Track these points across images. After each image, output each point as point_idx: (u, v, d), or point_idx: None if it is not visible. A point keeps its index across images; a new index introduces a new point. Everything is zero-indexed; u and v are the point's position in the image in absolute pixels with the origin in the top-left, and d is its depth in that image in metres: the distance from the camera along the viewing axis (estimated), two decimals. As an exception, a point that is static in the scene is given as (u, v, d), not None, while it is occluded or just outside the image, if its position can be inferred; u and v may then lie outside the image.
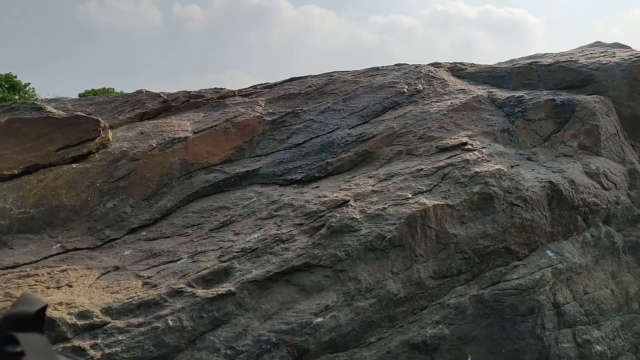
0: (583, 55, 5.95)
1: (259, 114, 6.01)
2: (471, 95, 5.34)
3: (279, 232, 4.09)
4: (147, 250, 4.47)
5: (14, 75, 18.10)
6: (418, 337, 3.49)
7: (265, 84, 7.33)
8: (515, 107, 5.08)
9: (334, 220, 3.99)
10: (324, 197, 4.36)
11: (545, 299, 3.76)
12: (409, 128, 5.08)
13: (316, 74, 7.18)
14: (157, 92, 7.26)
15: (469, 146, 4.54)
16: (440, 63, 6.67)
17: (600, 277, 4.12)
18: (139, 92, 7.32)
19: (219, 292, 3.55)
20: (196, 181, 5.29)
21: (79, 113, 5.71)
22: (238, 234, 4.36)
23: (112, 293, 3.72)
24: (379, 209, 4.01)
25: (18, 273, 3.92)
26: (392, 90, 5.88)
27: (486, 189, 4.04)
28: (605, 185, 4.52)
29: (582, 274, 4.03)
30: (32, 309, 0.70)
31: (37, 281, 3.84)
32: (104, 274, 4.14)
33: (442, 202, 3.93)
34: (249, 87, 7.28)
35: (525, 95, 5.21)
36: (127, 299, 3.53)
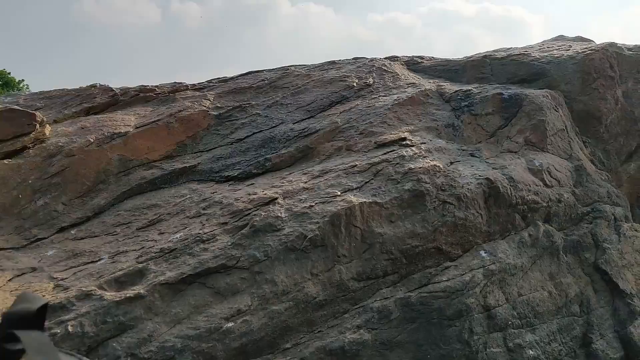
0: (538, 49, 5.76)
1: (205, 108, 5.80)
2: (419, 89, 5.16)
3: (201, 231, 3.89)
4: (70, 251, 4.27)
5: (7, 72, 17.77)
6: (336, 343, 3.31)
7: (222, 78, 7.12)
8: (462, 102, 4.90)
9: (257, 219, 3.80)
10: (254, 194, 4.17)
11: (475, 302, 3.59)
12: (352, 123, 4.89)
13: (272, 67, 6.97)
14: (111, 86, 7.03)
15: (408, 142, 4.36)
16: (397, 56, 6.49)
17: (537, 278, 3.95)
18: (93, 86, 7.09)
19: (127, 295, 3.36)
20: (133, 178, 5.09)
21: (14, 107, 5.48)
22: (163, 233, 4.16)
23: (17, 296, 3.52)
24: (305, 207, 3.82)
25: None
26: (342, 84, 5.69)
27: (418, 186, 3.86)
28: (547, 182, 4.35)
29: (517, 275, 3.86)
30: (32, 306, 0.70)
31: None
32: (17, 275, 3.93)
33: (370, 200, 3.75)
34: (204, 82, 7.06)
35: (474, 89, 5.03)
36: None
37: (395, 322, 3.49)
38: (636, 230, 4.63)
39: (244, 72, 7.04)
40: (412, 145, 4.30)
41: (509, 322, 3.67)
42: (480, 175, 4.07)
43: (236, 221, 3.91)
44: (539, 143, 4.63)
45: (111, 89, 6.86)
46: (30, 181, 5.03)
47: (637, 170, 5.35)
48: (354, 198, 3.76)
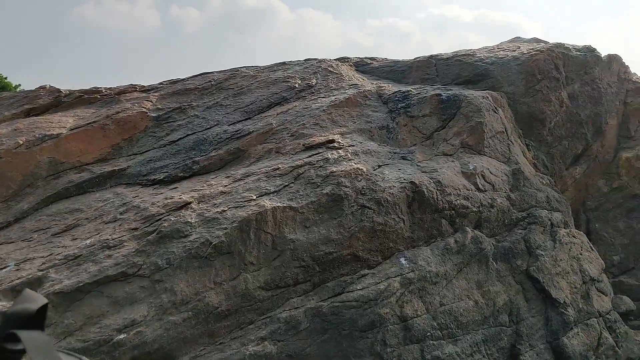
0: (486, 50, 5.60)
1: (144, 110, 5.62)
2: (358, 91, 5.00)
3: (110, 237, 3.71)
4: (-19, 257, 4.07)
5: (4, 77, 17.60)
6: (236, 356, 3.12)
7: (173, 79, 6.95)
8: (399, 103, 4.73)
9: (166, 224, 3.62)
10: (170, 198, 3.99)
11: (390, 312, 3.41)
12: (286, 125, 4.72)
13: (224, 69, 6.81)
14: (58, 87, 6.84)
15: (336, 144, 4.20)
16: (347, 58, 6.33)
17: (462, 287, 3.78)
18: (42, 87, 6.91)
19: (17, 305, 3.17)
20: (61, 182, 4.90)
21: (-58, 108, 5.30)
22: (76, 239, 3.97)
23: None
24: (218, 211, 3.65)
25: None
26: (284, 85, 5.52)
27: (337, 190, 3.69)
28: (481, 186, 4.18)
29: (440, 283, 3.68)
30: (33, 306, 0.70)
31: None
32: None
33: (285, 205, 3.58)
34: (156, 83, 6.89)
35: (413, 90, 4.87)
36: None
37: (304, 333, 3.31)
38: (574, 237, 4.46)
39: (197, 73, 6.88)
40: (339, 148, 4.13)
41: (428, 333, 3.50)
42: (405, 179, 3.90)
43: (147, 226, 3.73)
44: (475, 146, 4.47)
45: (59, 90, 6.68)
46: (-46, 185, 4.84)
47: (583, 175, 5.19)
48: (268, 202, 3.59)
